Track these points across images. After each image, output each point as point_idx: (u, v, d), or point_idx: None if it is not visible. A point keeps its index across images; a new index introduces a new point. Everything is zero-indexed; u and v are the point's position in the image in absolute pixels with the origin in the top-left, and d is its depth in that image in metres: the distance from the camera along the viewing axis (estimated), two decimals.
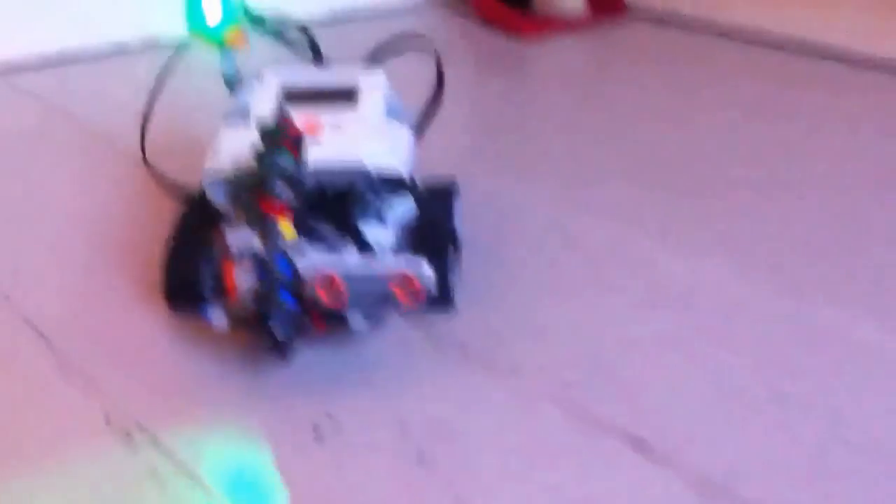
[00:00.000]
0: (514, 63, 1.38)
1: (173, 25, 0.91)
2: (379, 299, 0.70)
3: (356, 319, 0.71)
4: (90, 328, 0.79)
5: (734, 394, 0.69)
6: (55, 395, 0.71)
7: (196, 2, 0.85)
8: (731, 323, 0.77)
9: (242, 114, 0.81)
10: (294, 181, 0.71)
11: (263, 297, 0.69)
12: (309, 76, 0.87)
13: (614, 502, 0.60)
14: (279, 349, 0.70)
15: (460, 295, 0.78)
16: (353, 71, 0.88)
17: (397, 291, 0.69)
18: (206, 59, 0.91)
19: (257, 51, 0.91)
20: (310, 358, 0.73)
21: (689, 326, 0.76)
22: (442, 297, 0.74)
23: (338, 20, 1.49)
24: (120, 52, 1.39)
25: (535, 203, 0.96)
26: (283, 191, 0.70)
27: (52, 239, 0.93)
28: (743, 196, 0.97)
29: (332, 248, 0.73)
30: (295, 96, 0.82)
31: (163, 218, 0.84)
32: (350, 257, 0.72)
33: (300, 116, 0.76)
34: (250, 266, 0.69)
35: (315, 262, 0.70)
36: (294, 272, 0.69)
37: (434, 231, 0.79)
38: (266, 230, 0.70)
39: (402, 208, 0.79)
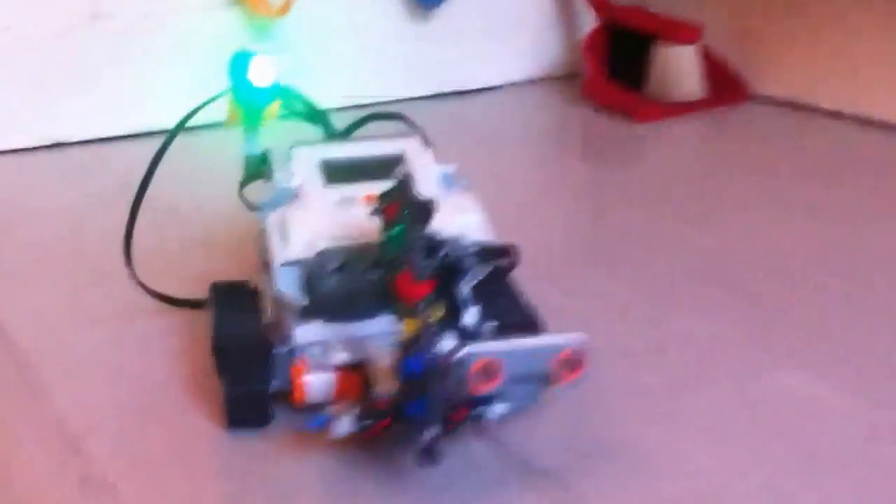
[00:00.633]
0: (624, 147, 1.29)
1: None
2: (536, 380, 0.61)
3: (498, 408, 0.62)
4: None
5: None
6: None
7: (244, 61, 0.75)
8: None
9: (288, 195, 0.72)
10: (433, 256, 0.62)
11: (413, 395, 0.59)
12: (343, 151, 0.77)
13: None
14: (431, 454, 0.60)
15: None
16: (386, 142, 0.77)
17: (557, 369, 0.60)
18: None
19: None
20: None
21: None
22: None
23: (444, 98, 1.45)
24: None
25: (630, 300, 0.86)
26: (427, 267, 0.62)
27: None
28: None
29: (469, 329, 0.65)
30: (339, 171, 0.74)
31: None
32: (504, 338, 0.63)
33: (357, 191, 0.69)
34: (387, 360, 0.62)
35: (470, 346, 0.60)
36: (442, 361, 0.59)
37: (510, 304, 0.71)
38: (417, 314, 0.61)
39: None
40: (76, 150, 1.26)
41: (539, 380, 0.61)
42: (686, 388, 0.74)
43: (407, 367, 0.60)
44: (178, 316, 0.82)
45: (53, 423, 0.71)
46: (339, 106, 1.37)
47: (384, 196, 0.64)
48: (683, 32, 1.39)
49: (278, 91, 0.77)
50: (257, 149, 0.77)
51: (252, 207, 0.76)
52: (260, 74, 0.75)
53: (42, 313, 0.86)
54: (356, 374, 0.67)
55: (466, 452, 0.66)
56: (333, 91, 1.39)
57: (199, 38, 1.30)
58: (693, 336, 0.81)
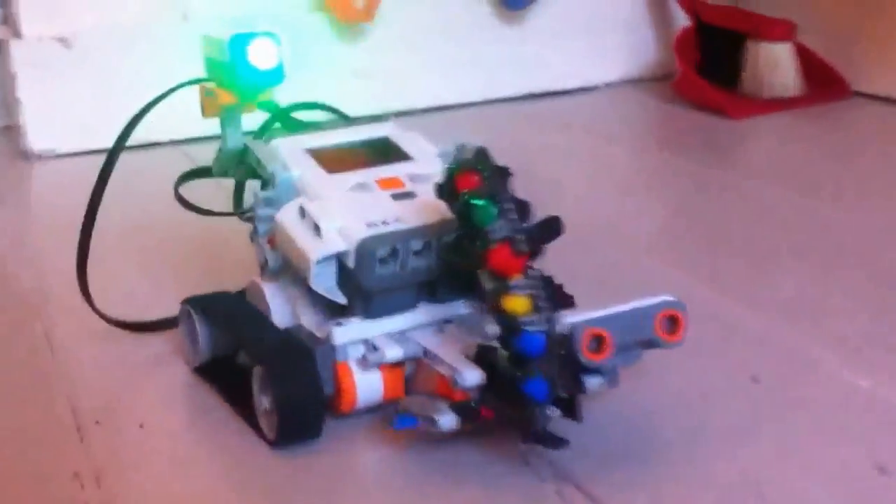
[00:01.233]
0: (724, 141, 1.25)
1: None
2: (640, 345, 0.57)
3: (596, 380, 0.57)
4: None
5: None
6: None
7: (243, 43, 0.69)
8: None
9: (292, 189, 0.66)
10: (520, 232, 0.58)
11: (529, 374, 0.55)
12: (324, 139, 0.70)
13: None
14: (552, 438, 0.56)
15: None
16: (364, 128, 0.71)
17: (659, 330, 0.56)
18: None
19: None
20: None
21: None
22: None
23: (535, 98, 1.43)
24: None
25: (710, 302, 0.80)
26: (523, 244, 0.57)
27: None
28: None
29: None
30: (332, 160, 0.67)
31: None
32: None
33: (366, 177, 0.65)
34: (460, 348, 0.58)
35: (576, 316, 0.56)
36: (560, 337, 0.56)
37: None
38: (519, 289, 0.56)
39: None
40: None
41: (642, 344, 0.57)
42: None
43: (526, 346, 0.56)
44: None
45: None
46: (425, 107, 1.38)
47: (452, 170, 0.59)
48: (777, 30, 1.35)
49: (280, 74, 0.70)
50: (237, 143, 0.71)
51: (192, 208, 0.73)
52: (262, 56, 0.69)
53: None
54: (400, 369, 0.63)
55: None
56: (422, 94, 1.40)
57: None
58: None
